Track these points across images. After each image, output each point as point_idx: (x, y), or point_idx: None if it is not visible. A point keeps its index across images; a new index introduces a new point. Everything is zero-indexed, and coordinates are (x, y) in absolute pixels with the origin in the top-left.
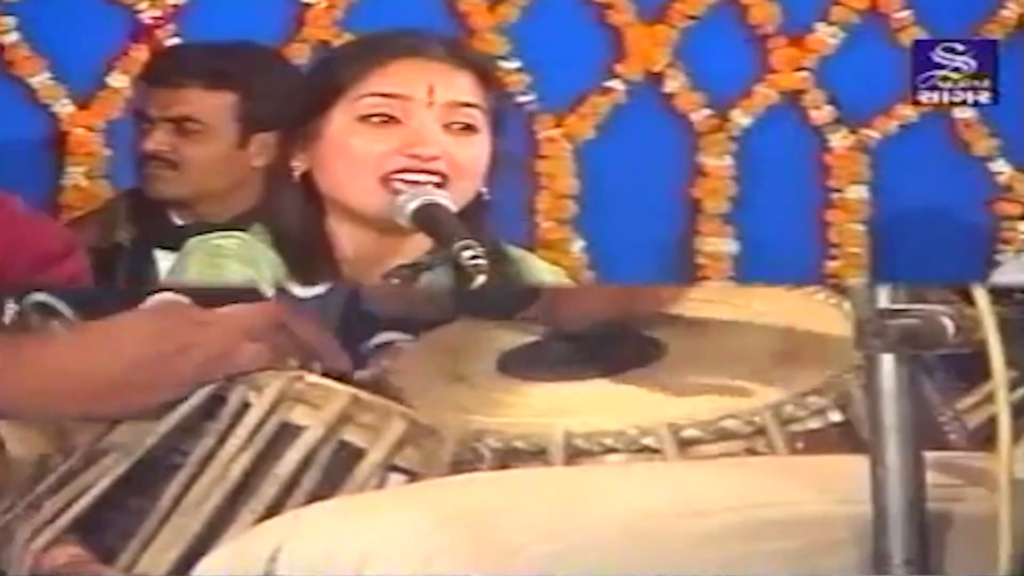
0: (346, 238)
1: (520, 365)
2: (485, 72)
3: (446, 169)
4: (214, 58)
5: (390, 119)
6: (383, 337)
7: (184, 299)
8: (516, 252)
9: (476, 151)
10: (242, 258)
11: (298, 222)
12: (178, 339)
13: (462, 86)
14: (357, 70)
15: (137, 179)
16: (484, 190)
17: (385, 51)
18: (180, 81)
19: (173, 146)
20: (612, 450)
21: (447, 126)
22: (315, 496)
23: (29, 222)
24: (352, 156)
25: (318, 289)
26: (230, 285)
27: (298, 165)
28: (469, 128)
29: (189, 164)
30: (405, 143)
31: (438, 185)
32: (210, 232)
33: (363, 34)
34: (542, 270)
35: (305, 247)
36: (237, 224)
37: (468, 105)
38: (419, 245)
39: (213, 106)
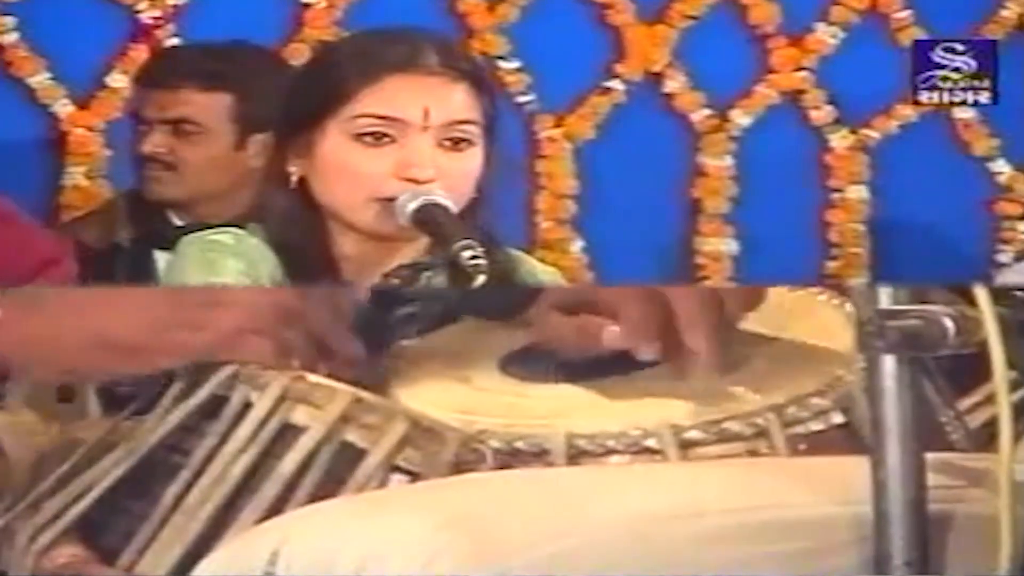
0: (344, 242)
1: (522, 366)
2: (480, 79)
3: (440, 188)
4: (209, 59)
5: (384, 136)
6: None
7: None
8: (512, 252)
9: (470, 165)
10: (238, 254)
11: (295, 223)
12: (186, 316)
13: (458, 103)
14: (351, 84)
15: (135, 181)
16: (476, 194)
17: (378, 64)
18: (176, 83)
19: (170, 148)
20: (614, 451)
21: (441, 142)
22: (316, 497)
23: (20, 227)
24: (347, 176)
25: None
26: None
27: (294, 170)
28: (464, 142)
29: (187, 166)
30: (400, 165)
31: None
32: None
33: (355, 36)
34: (538, 270)
35: (302, 247)
36: (236, 224)
37: (463, 122)
38: (418, 247)
39: (209, 107)
